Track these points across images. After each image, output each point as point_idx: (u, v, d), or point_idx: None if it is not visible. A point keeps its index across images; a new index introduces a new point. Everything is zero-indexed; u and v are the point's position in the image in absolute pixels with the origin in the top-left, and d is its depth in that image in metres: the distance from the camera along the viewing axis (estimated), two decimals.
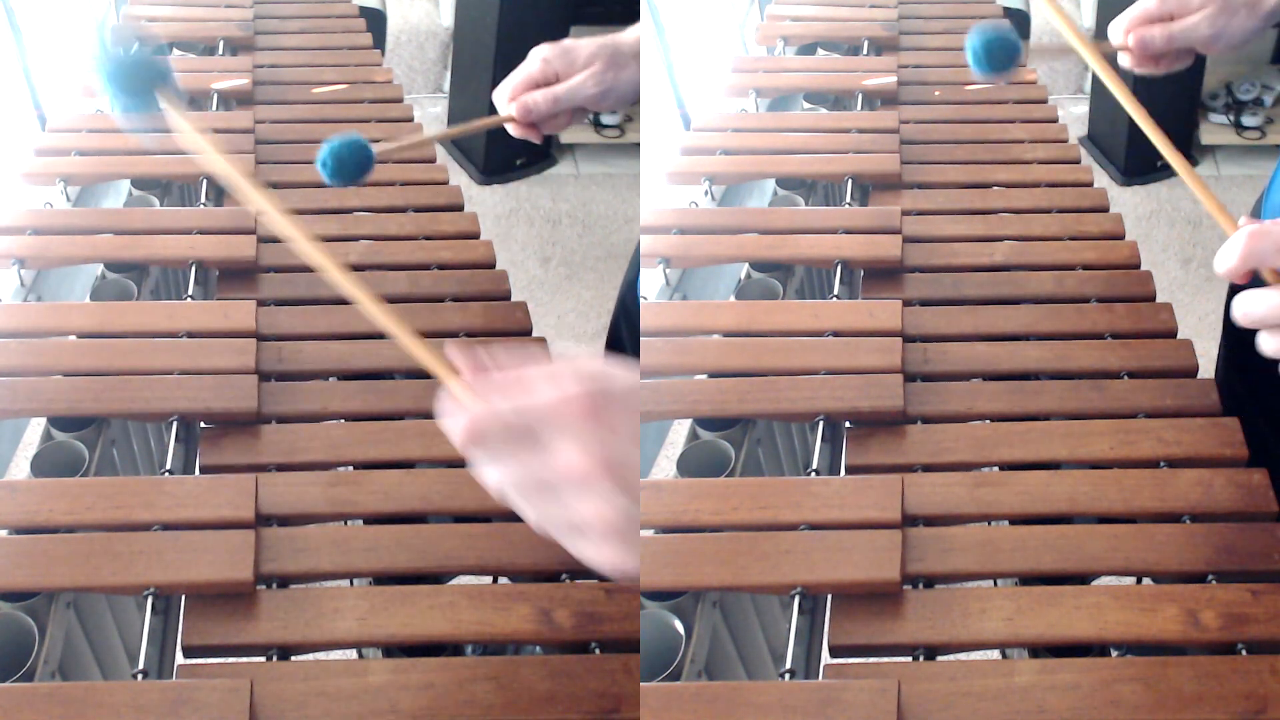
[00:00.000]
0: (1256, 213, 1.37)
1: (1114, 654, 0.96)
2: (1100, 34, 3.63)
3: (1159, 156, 1.21)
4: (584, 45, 1.17)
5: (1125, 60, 1.23)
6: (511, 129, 1.19)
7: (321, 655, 0.97)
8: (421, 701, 0.91)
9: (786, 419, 1.24)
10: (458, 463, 1.14)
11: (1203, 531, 1.04)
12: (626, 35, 1.20)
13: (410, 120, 1.83)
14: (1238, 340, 1.38)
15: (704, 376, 1.26)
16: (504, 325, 1.35)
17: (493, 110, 1.20)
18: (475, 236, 1.52)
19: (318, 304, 1.36)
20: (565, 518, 0.65)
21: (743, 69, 1.94)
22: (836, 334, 1.29)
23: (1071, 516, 1.09)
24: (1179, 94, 3.18)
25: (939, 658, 0.96)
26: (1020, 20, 3.30)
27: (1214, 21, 1.18)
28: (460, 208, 1.58)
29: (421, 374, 1.25)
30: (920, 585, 1.01)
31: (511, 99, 1.17)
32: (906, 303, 1.35)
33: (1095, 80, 3.37)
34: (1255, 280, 0.83)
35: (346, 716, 0.90)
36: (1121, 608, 0.97)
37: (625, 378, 0.66)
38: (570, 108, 1.18)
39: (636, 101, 1.23)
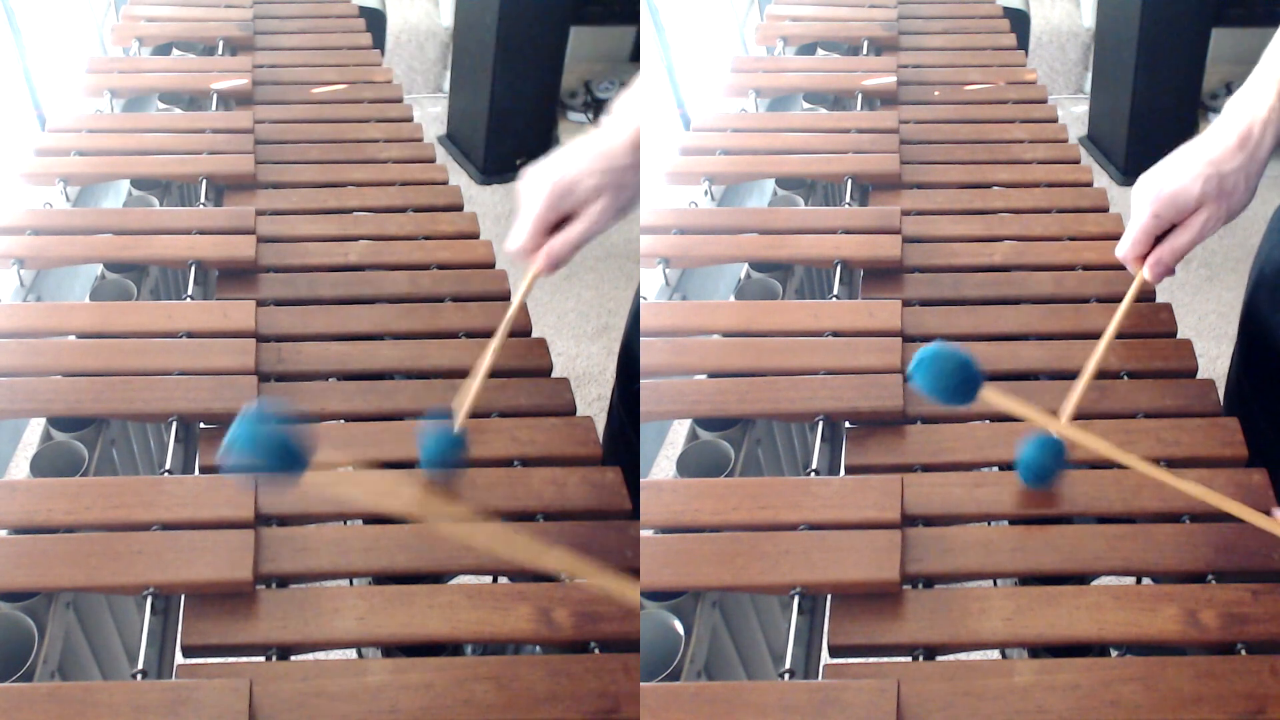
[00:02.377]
0: (1274, 229, 1.37)
1: (1114, 654, 0.96)
2: (1100, 34, 3.60)
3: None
4: (1187, 184, 1.12)
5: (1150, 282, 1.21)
6: (1151, 281, 1.20)
7: (321, 655, 0.97)
8: (421, 701, 0.91)
9: (786, 419, 1.24)
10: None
11: (1203, 531, 1.04)
12: (618, 140, 1.14)
13: (410, 120, 1.82)
14: (1250, 339, 1.39)
15: (704, 376, 1.26)
16: None
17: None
18: (475, 236, 1.52)
19: (317, 304, 1.36)
20: None
21: (743, 69, 1.94)
22: (836, 334, 1.29)
23: (1071, 516, 1.09)
24: (1179, 94, 3.19)
25: (938, 658, 0.96)
26: (1020, 20, 3.31)
27: (1218, 214, 1.15)
28: (460, 208, 1.58)
29: (421, 374, 1.26)
30: (920, 585, 1.01)
31: (529, 253, 1.16)
32: (906, 303, 1.35)
33: (1095, 80, 3.38)
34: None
35: (346, 716, 0.90)
36: (1121, 608, 0.97)
37: None
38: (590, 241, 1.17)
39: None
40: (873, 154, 1.67)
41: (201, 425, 1.18)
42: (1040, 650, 0.99)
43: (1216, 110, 3.31)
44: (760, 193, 1.71)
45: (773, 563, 1.01)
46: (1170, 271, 1.20)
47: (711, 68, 2.68)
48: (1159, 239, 1.21)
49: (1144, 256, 1.22)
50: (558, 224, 1.16)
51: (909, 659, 0.96)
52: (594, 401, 2.42)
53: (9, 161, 1.63)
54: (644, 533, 1.05)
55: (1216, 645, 0.95)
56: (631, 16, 3.39)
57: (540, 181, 1.15)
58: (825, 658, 0.98)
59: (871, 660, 0.96)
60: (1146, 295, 1.39)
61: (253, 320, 1.29)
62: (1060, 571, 1.03)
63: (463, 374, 1.26)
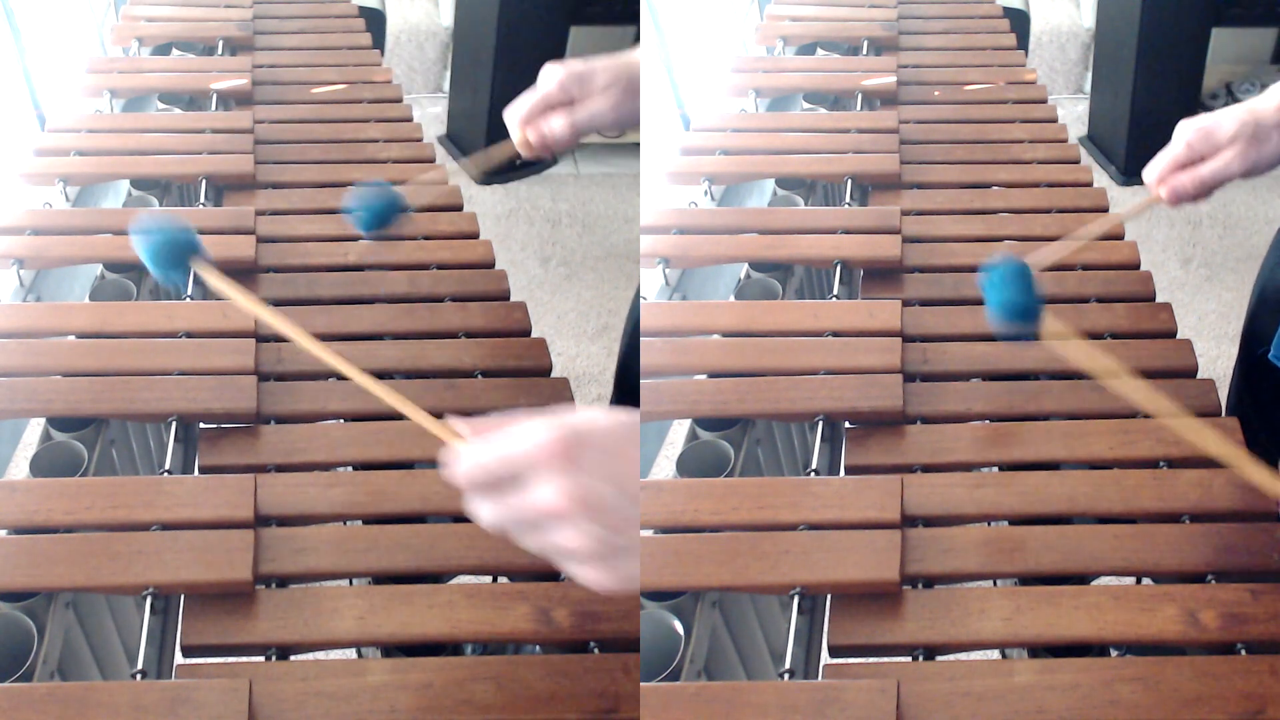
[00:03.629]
0: (1278, 245, 1.37)
1: (1113, 654, 0.96)
2: (1100, 34, 3.61)
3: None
4: (600, 69, 1.17)
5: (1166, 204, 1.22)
6: (523, 151, 1.20)
7: (320, 655, 0.97)
8: (420, 701, 0.91)
9: (786, 419, 1.24)
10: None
11: (1202, 531, 1.04)
12: (1268, 104, 1.19)
13: (409, 120, 1.82)
14: (1251, 360, 1.38)
15: (704, 376, 1.26)
16: (503, 325, 1.35)
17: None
18: (475, 236, 1.52)
19: (317, 304, 1.36)
20: (553, 547, 0.73)
21: (743, 69, 1.94)
22: (836, 334, 1.29)
23: (1071, 516, 1.09)
24: (1179, 94, 3.18)
25: (938, 658, 0.96)
26: (1020, 20, 3.30)
27: (1245, 157, 1.18)
28: (460, 208, 1.58)
29: (420, 374, 1.26)
30: (919, 585, 1.01)
31: (527, 122, 1.18)
32: (906, 303, 1.35)
33: (1095, 80, 3.37)
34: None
35: (345, 716, 0.90)
36: (1121, 608, 0.97)
37: (601, 421, 0.73)
38: (1215, 185, 1.19)
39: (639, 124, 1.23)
40: (873, 154, 1.67)
41: (201, 425, 1.18)
42: (1040, 650, 0.99)
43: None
44: (760, 193, 1.71)
45: (773, 563, 1.01)
46: (1188, 198, 1.20)
47: (711, 68, 2.68)
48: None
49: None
50: (562, 105, 1.17)
51: (909, 659, 0.96)
52: (594, 401, 2.42)
53: (9, 161, 1.63)
54: (644, 533, 1.05)
55: (1216, 645, 0.95)
56: (631, 16, 3.39)
57: (558, 66, 1.17)
58: (825, 658, 0.98)
59: (871, 660, 0.96)
60: (1146, 295, 1.39)
61: (252, 320, 1.29)
62: (1060, 571, 1.03)
63: (462, 374, 1.27)
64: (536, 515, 0.72)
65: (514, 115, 1.18)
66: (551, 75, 1.17)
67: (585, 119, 1.17)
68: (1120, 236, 1.51)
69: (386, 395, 0.89)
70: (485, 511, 0.73)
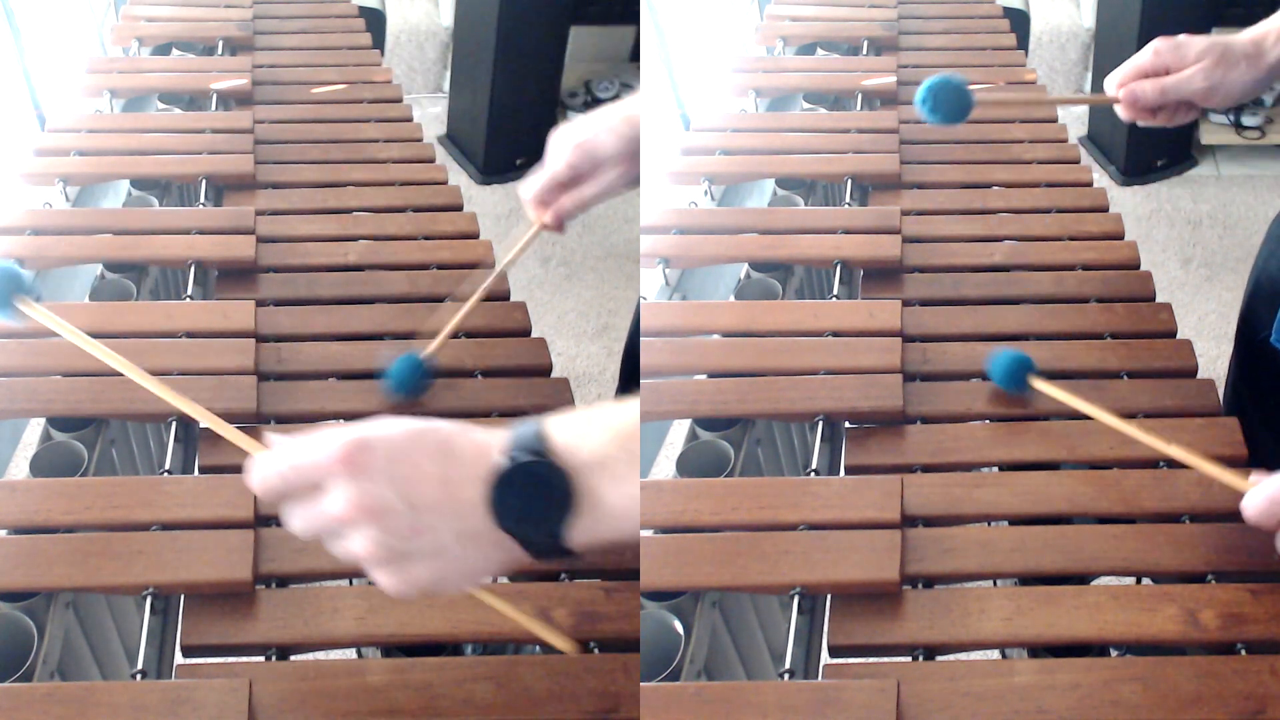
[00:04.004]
0: (1273, 236, 1.37)
1: (1113, 654, 0.96)
2: (1100, 34, 3.62)
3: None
4: (1196, 41, 1.21)
5: (1120, 112, 1.25)
6: (1120, 112, 1.26)
7: (320, 655, 0.97)
8: (420, 701, 0.91)
9: (786, 419, 1.24)
10: None
11: (1202, 531, 1.04)
12: (1241, 36, 1.22)
13: (409, 120, 1.82)
14: (1247, 348, 1.39)
15: (704, 376, 1.26)
16: (503, 325, 1.35)
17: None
18: (475, 236, 1.52)
19: (317, 304, 1.36)
20: (348, 552, 0.75)
21: (743, 69, 1.94)
22: (836, 334, 1.29)
23: (1071, 516, 1.09)
24: None
25: (938, 658, 0.96)
26: (1020, 20, 3.31)
27: (1209, 75, 1.20)
28: (460, 208, 1.58)
29: None
30: (920, 585, 1.01)
31: (539, 202, 1.20)
32: (906, 303, 1.35)
33: (1094, 80, 3.37)
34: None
35: (345, 716, 0.90)
36: (1121, 608, 0.97)
37: (392, 430, 0.75)
38: (1178, 100, 1.22)
39: (1244, 101, 1.27)
40: (873, 154, 1.67)
41: (201, 425, 1.17)
42: (1040, 650, 0.99)
43: (1216, 110, 3.31)
44: (760, 193, 1.71)
45: (773, 563, 1.01)
46: (1146, 105, 1.23)
47: (711, 68, 2.68)
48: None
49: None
50: (572, 182, 1.19)
51: (909, 659, 0.96)
52: (594, 401, 2.41)
53: (9, 161, 1.63)
54: (644, 533, 1.05)
55: (1216, 645, 0.95)
56: (631, 16, 3.39)
57: (567, 139, 1.18)
58: (825, 658, 0.98)
59: (871, 660, 0.96)
60: (1146, 295, 1.39)
61: (252, 320, 1.29)
62: (1060, 571, 1.03)
63: (462, 374, 1.27)
64: (328, 522, 0.74)
65: (527, 195, 1.20)
66: (560, 153, 1.18)
67: (1173, 84, 1.20)
68: (1120, 237, 1.51)
69: (177, 401, 0.91)
70: (294, 520, 0.76)
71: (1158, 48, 1.22)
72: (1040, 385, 1.16)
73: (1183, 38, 1.22)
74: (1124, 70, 1.23)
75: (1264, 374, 1.34)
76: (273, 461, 0.75)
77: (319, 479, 0.74)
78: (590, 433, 0.75)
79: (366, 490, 0.72)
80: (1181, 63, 1.21)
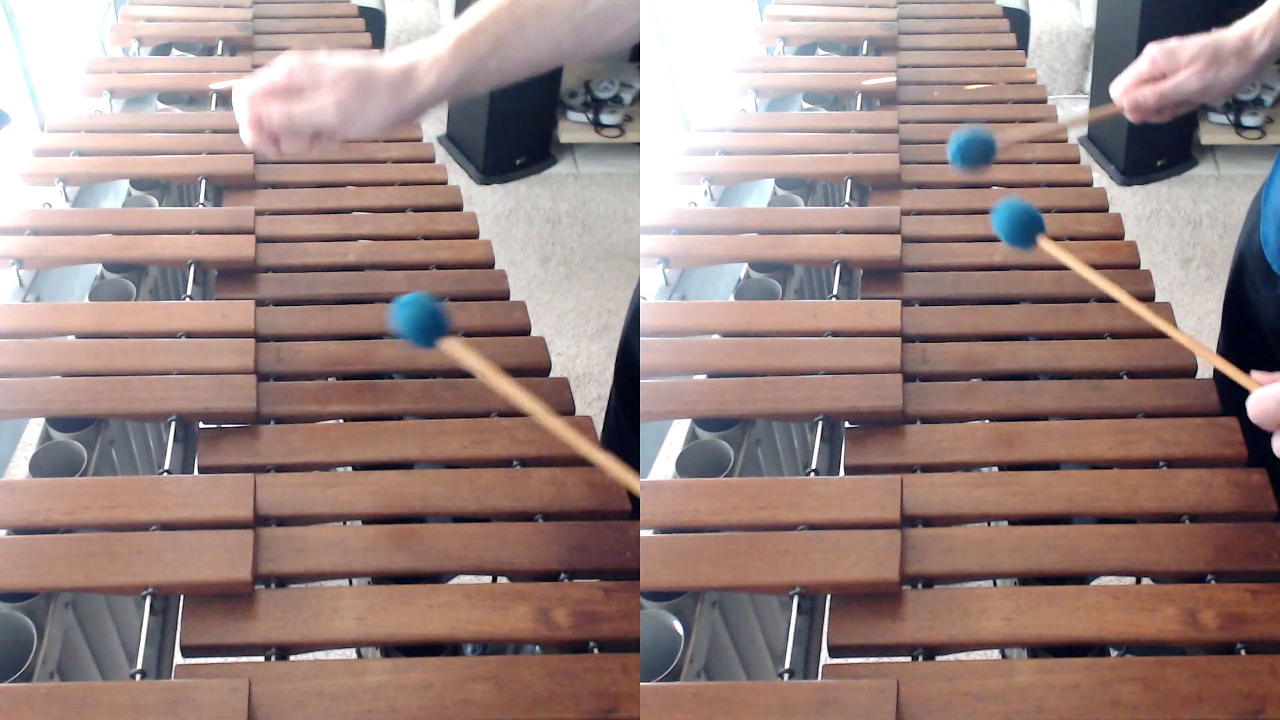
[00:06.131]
0: (1255, 210, 1.38)
1: (1113, 654, 0.96)
2: (1100, 35, 3.61)
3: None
4: (1188, 45, 1.27)
5: (1129, 116, 1.32)
6: (1130, 117, 1.32)
7: (320, 655, 0.97)
8: (420, 701, 0.91)
9: (786, 419, 1.24)
10: (457, 463, 1.15)
11: (1202, 531, 1.04)
12: (1230, 33, 1.28)
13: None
14: (1233, 320, 1.40)
15: (703, 376, 1.26)
16: (503, 325, 1.35)
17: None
18: (474, 236, 1.52)
19: (316, 304, 1.36)
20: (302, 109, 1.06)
21: (743, 69, 1.94)
22: (836, 334, 1.29)
23: (1071, 516, 1.09)
24: None
25: (938, 658, 0.96)
26: (1020, 20, 3.30)
27: (1202, 76, 1.27)
28: (459, 207, 1.58)
29: (422, 374, 1.26)
30: (919, 585, 1.01)
31: (1124, 93, 1.29)
32: (906, 302, 1.35)
33: (1095, 80, 3.37)
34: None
35: (345, 716, 0.90)
36: (1121, 608, 0.97)
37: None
38: (1175, 102, 1.29)
39: (1234, 95, 1.33)
40: (873, 154, 1.67)
41: (201, 425, 1.18)
42: (1040, 650, 0.99)
43: (1216, 109, 3.31)
44: (760, 193, 1.71)
45: (772, 563, 1.01)
46: (1149, 110, 1.30)
47: (711, 68, 2.68)
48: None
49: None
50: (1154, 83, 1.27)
51: (908, 659, 0.96)
52: (594, 401, 2.42)
53: (9, 161, 1.63)
54: (644, 533, 1.05)
55: (1216, 645, 0.95)
56: None
57: (1150, 46, 1.27)
58: (825, 658, 0.98)
59: (871, 660, 0.96)
60: (1146, 295, 1.39)
61: (252, 320, 1.29)
62: (1060, 571, 1.03)
63: (462, 374, 1.26)
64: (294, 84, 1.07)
65: (1115, 87, 1.29)
66: (1146, 53, 1.27)
67: (1170, 88, 1.27)
68: (1120, 237, 1.51)
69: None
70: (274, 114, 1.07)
71: (1153, 55, 1.28)
72: (1046, 244, 1.16)
73: (1174, 43, 1.28)
74: (1125, 79, 1.30)
75: (1251, 344, 1.36)
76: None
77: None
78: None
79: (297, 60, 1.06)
80: (1176, 67, 1.27)
